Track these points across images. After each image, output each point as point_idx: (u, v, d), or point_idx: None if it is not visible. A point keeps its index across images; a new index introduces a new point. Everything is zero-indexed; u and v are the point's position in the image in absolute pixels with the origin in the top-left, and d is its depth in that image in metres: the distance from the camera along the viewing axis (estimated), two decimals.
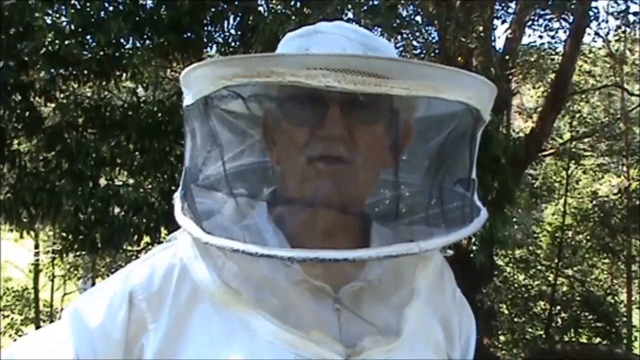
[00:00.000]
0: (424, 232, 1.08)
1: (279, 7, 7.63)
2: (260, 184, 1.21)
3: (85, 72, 7.31)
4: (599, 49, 14.98)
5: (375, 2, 7.91)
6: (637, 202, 14.62)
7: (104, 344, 1.05)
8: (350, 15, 8.06)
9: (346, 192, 1.04)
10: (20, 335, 15.06)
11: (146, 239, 7.97)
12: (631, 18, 11.68)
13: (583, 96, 15.34)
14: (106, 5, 7.21)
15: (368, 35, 1.15)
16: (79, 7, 7.10)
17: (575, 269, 16.18)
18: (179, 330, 1.06)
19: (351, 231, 1.12)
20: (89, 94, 8.63)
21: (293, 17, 6.67)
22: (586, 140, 15.23)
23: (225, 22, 7.74)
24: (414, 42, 11.30)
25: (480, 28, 10.41)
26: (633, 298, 16.36)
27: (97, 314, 1.07)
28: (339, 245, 1.01)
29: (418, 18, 10.47)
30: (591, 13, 10.66)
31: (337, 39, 1.10)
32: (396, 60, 1.06)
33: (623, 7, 11.54)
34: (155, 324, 1.07)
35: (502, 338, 15.13)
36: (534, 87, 15.35)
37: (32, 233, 13.04)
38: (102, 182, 7.89)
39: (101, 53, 7.27)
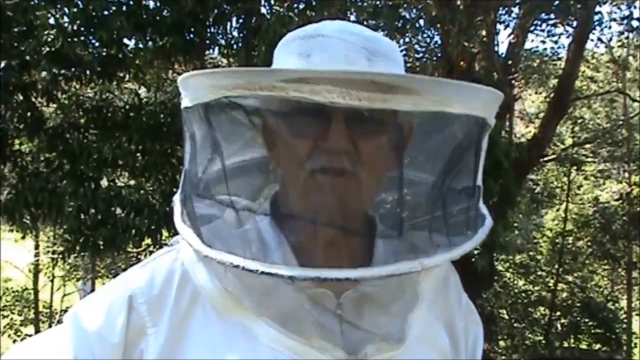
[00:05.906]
0: (428, 246, 1.06)
1: (281, 9, 7.62)
2: (260, 188, 1.18)
3: (88, 72, 7.28)
4: (602, 54, 15.00)
5: (378, 4, 7.91)
6: (638, 209, 14.61)
7: (102, 348, 1.04)
8: (352, 17, 8.06)
9: (349, 205, 1.03)
10: (19, 336, 15.06)
11: (147, 240, 7.96)
12: (634, 24, 11.68)
13: (585, 102, 15.36)
14: (109, 4, 7.20)
15: (371, 38, 1.09)
16: (81, 6, 7.07)
17: (575, 275, 16.18)
18: (180, 335, 1.05)
19: (355, 244, 1.10)
20: (90, 95, 8.61)
21: (296, 19, 6.65)
22: (588, 146, 15.25)
23: (228, 23, 7.73)
24: (417, 46, 11.30)
25: (483, 32, 10.41)
26: (633, 305, 16.35)
27: (96, 318, 1.06)
28: (342, 259, 1.00)
29: (421, 22, 10.48)
30: (595, 18, 10.67)
31: (338, 43, 1.06)
32: (402, 77, 1.04)
33: (626, 12, 11.54)
34: (154, 328, 1.05)
35: (501, 343, 15.12)
36: (536, 93, 15.38)
37: (33, 233, 13.05)
38: (104, 183, 7.87)
39: (103, 53, 7.27)
